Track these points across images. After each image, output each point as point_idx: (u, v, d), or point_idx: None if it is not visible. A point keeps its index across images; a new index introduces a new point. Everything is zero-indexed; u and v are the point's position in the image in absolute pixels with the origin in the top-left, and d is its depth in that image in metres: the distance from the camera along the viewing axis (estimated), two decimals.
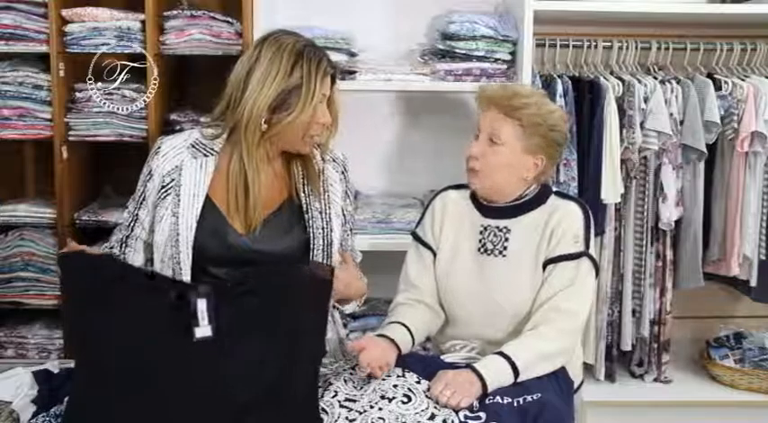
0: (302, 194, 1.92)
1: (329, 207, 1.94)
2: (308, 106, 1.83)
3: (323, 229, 1.90)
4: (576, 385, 2.04)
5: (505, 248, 1.95)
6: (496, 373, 1.77)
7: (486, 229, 1.98)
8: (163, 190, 1.89)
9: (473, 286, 1.97)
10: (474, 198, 2.04)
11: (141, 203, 1.93)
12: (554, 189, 2.05)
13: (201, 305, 1.59)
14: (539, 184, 2.00)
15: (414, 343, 1.95)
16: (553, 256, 1.91)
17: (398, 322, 1.95)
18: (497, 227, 1.97)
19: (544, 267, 1.92)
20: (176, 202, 1.86)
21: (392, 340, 1.88)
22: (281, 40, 1.88)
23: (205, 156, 1.91)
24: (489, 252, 1.97)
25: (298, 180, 1.94)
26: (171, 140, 1.96)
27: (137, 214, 1.93)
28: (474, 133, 1.98)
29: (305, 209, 1.91)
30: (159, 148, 1.94)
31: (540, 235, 1.94)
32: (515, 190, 1.97)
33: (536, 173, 1.97)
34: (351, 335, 2.67)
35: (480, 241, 1.98)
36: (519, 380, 1.78)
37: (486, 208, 2.00)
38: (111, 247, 1.96)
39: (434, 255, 2.04)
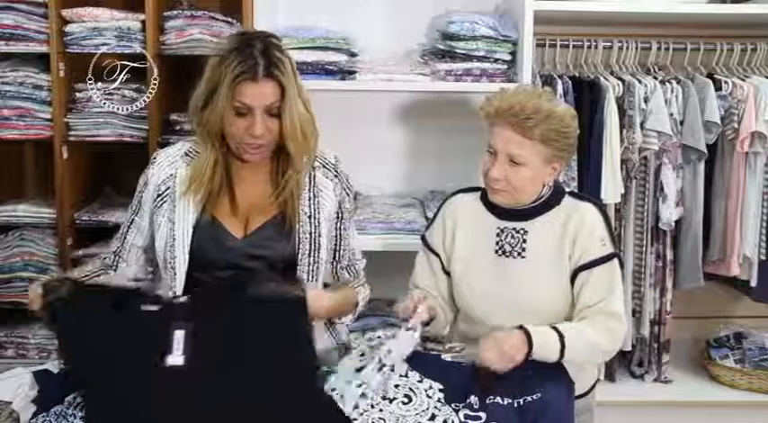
0: (289, 200, 1.89)
1: (318, 211, 1.90)
2: (214, 110, 1.77)
3: (310, 233, 1.88)
4: (590, 386, 2.06)
5: (524, 249, 1.94)
6: (545, 341, 1.78)
7: (502, 231, 1.97)
8: (159, 198, 1.88)
9: (493, 288, 1.96)
10: (486, 200, 2.02)
11: (138, 211, 1.92)
12: (567, 189, 2.05)
13: (179, 335, 1.60)
14: (551, 185, 2.00)
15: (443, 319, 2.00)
16: (585, 263, 1.91)
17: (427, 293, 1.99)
18: (514, 229, 1.97)
19: (576, 274, 1.92)
20: (171, 208, 1.86)
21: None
22: (232, 38, 1.86)
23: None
24: (508, 254, 1.96)
25: (286, 187, 1.89)
26: (166, 151, 1.96)
27: (131, 220, 1.93)
28: (486, 149, 1.93)
29: (293, 213, 1.87)
30: (155, 158, 1.94)
31: (559, 236, 1.93)
32: (535, 194, 1.97)
33: (554, 175, 1.97)
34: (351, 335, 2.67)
35: (497, 243, 1.97)
36: (563, 359, 1.79)
37: (500, 211, 1.99)
38: (105, 258, 1.96)
39: (441, 262, 2.04)
